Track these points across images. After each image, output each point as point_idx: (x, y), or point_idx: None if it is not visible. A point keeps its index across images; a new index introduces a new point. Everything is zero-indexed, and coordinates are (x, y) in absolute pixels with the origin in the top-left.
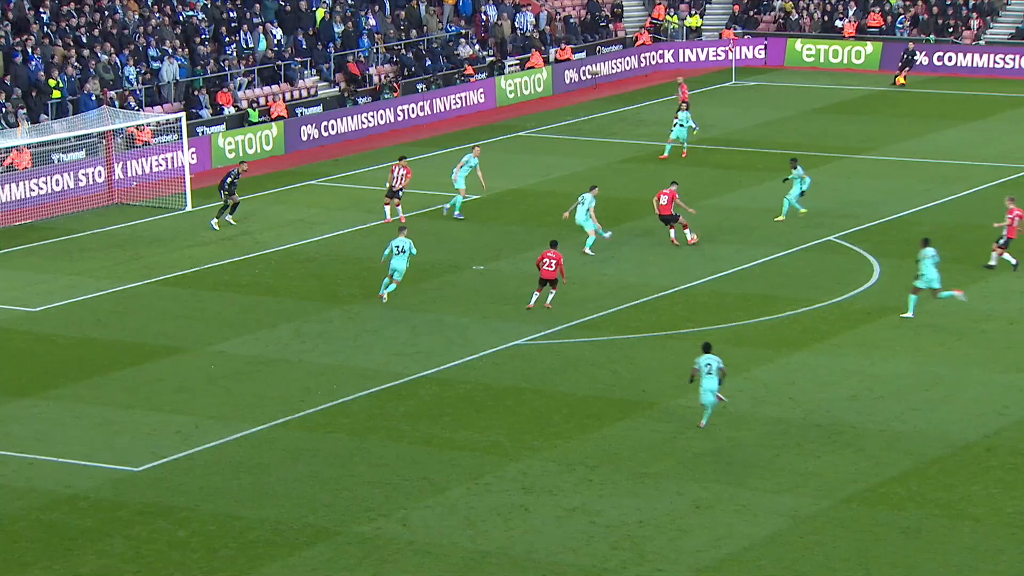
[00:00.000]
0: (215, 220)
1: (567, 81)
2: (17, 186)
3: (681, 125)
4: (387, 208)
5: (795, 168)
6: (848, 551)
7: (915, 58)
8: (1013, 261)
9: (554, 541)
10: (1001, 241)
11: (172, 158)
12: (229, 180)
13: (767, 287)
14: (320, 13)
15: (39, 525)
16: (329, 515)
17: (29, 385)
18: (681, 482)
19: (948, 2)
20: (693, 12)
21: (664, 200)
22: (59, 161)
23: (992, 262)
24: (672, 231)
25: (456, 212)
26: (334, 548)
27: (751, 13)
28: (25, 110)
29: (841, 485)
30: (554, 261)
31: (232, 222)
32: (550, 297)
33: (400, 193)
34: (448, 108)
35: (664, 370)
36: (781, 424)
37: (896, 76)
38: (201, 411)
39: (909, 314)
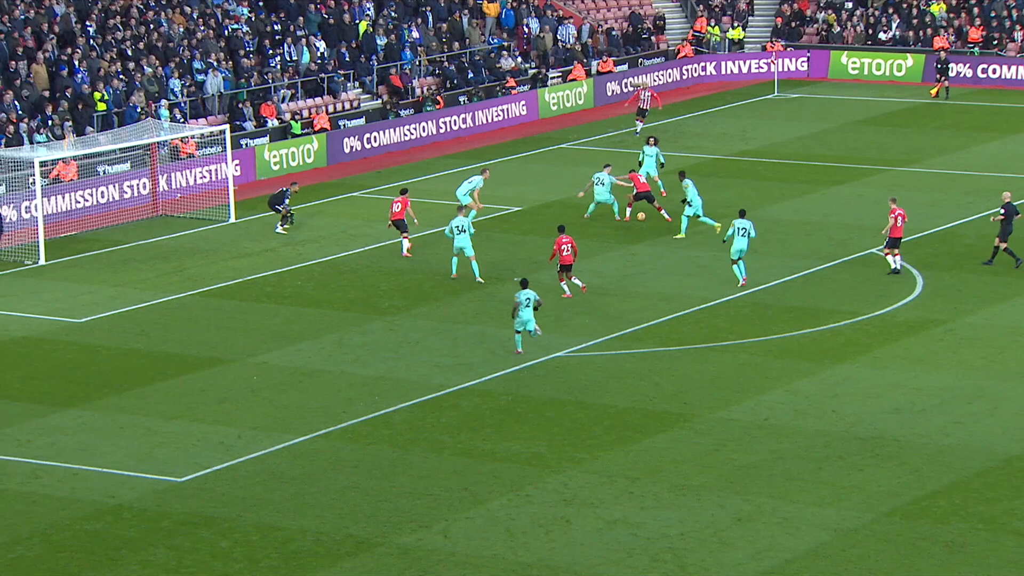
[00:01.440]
0: (279, 227)
1: (609, 93)
2: (63, 198)
3: (647, 157)
4: (404, 242)
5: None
6: (891, 565)
7: (948, 67)
8: (896, 265)
9: (595, 553)
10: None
11: (216, 170)
12: (278, 195)
13: (809, 299)
14: (363, 26)
15: (83, 535)
16: (370, 526)
17: (74, 396)
18: (723, 494)
19: (992, 14)
20: (736, 24)
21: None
22: (104, 173)
23: (894, 266)
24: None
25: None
26: (375, 559)
27: (794, 25)
28: (71, 123)
29: (884, 498)
30: (569, 245)
31: (280, 230)
32: (576, 282)
33: (404, 225)
34: (490, 120)
35: (706, 382)
36: (823, 437)
37: (932, 88)
38: (243, 422)
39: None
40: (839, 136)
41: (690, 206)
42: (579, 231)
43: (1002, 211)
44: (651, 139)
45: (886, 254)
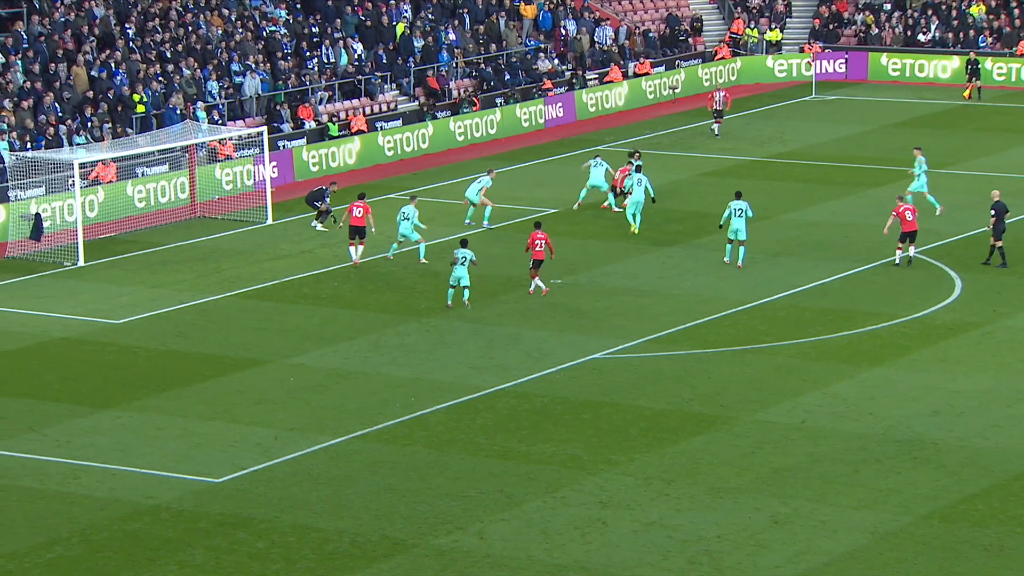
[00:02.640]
0: (317, 224)
1: (646, 95)
2: (102, 199)
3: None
4: (352, 249)
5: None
6: (928, 568)
7: (979, 68)
8: (898, 259)
9: (631, 555)
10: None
11: (254, 172)
12: (317, 192)
13: (846, 302)
14: (400, 28)
15: (122, 535)
16: (406, 527)
17: (112, 397)
18: (759, 497)
19: None
20: (773, 26)
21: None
22: (143, 175)
23: (898, 261)
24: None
25: (487, 222)
26: (411, 560)
27: (832, 27)
28: (110, 124)
29: (922, 501)
30: (543, 241)
31: (319, 227)
32: (539, 282)
33: (363, 232)
34: (527, 122)
35: (742, 384)
36: (861, 439)
37: (965, 90)
38: (280, 423)
39: (727, 259)
40: (877, 138)
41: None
42: (612, 232)
43: (992, 210)
44: (635, 156)
45: (899, 248)
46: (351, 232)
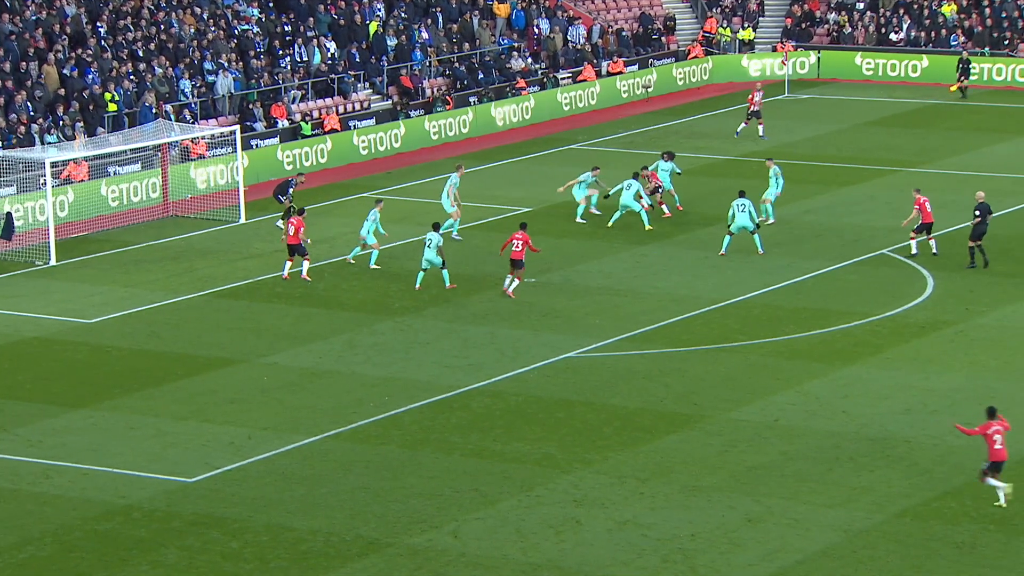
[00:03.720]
0: (280, 221)
1: (620, 94)
2: (74, 198)
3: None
4: (287, 263)
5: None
6: (901, 566)
7: (970, 67)
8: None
9: (605, 554)
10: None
11: (226, 171)
12: (283, 185)
13: (820, 300)
14: (373, 27)
15: (94, 535)
16: (381, 527)
17: (84, 396)
18: (733, 496)
19: (1004, 15)
20: (746, 25)
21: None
22: (115, 174)
23: (915, 250)
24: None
25: (454, 234)
26: (385, 560)
27: (804, 26)
28: (82, 123)
29: (895, 499)
30: (520, 242)
31: (282, 225)
32: (515, 284)
33: (302, 248)
34: (500, 121)
35: (716, 383)
36: (834, 438)
37: (953, 85)
38: (254, 423)
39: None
40: (850, 137)
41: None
42: (590, 231)
43: (976, 211)
44: (666, 154)
45: (912, 238)
46: (289, 250)
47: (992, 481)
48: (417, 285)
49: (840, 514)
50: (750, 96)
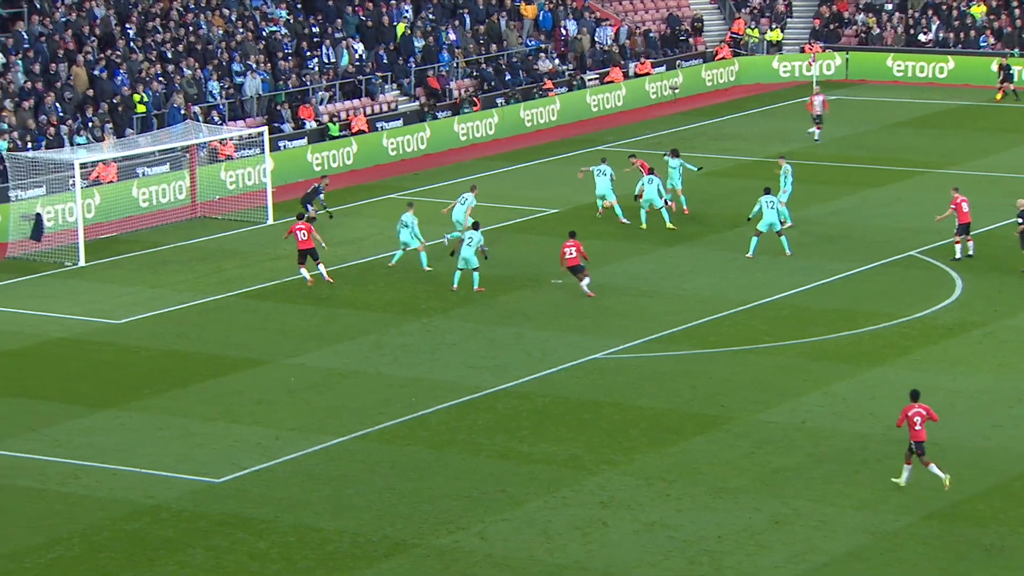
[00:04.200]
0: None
1: (647, 95)
2: (103, 199)
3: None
4: (304, 271)
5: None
6: (929, 568)
7: (1011, 71)
8: (959, 254)
9: (631, 555)
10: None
11: (254, 172)
12: (310, 192)
13: (848, 302)
14: (401, 28)
15: (122, 535)
16: (407, 527)
17: (112, 396)
18: (760, 497)
19: None
20: (774, 26)
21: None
22: (144, 175)
23: (958, 255)
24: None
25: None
26: (412, 560)
27: (832, 27)
28: (111, 124)
29: (922, 502)
30: (573, 248)
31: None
32: (586, 282)
33: (315, 252)
34: (527, 122)
35: (743, 385)
36: (862, 440)
37: (998, 93)
38: (281, 423)
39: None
40: (877, 138)
41: (636, 199)
42: (613, 233)
43: (1020, 220)
44: (671, 151)
45: (956, 242)
46: (300, 256)
47: (933, 468)
48: (454, 285)
49: (867, 516)
50: (808, 101)
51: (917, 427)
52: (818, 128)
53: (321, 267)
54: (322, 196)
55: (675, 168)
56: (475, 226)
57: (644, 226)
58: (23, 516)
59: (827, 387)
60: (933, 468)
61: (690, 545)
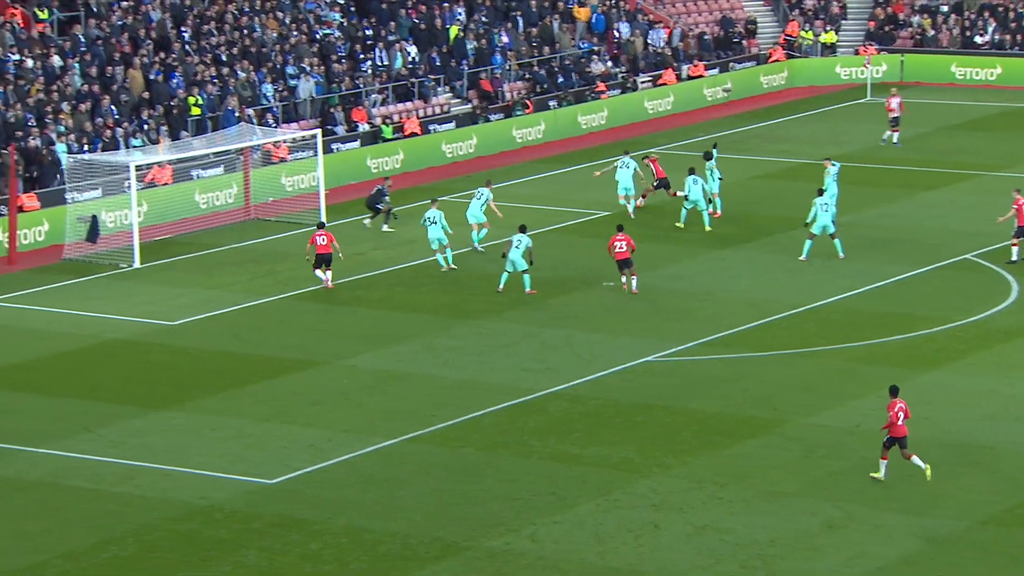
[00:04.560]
0: (385, 226)
1: (701, 98)
2: (158, 202)
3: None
4: (319, 273)
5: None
6: (985, 574)
7: None
8: (1015, 256)
9: (683, 559)
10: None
11: (307, 174)
12: (375, 193)
13: (901, 305)
14: (454, 31)
15: (175, 536)
16: (459, 530)
17: (167, 398)
18: (813, 501)
19: None
20: (828, 28)
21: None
22: (198, 177)
23: (1014, 257)
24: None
25: (478, 246)
26: (463, 563)
27: (887, 29)
28: (166, 127)
29: (977, 506)
30: (624, 243)
31: (387, 228)
32: (634, 281)
33: (330, 259)
34: (579, 125)
35: (795, 388)
36: (916, 444)
37: None
38: (334, 424)
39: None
40: (932, 140)
41: (687, 199)
42: (665, 235)
43: None
44: (705, 154)
45: (1013, 244)
46: (317, 260)
47: (916, 459)
48: (500, 287)
49: (922, 521)
50: (886, 102)
51: (900, 422)
52: (895, 132)
53: (328, 273)
54: (387, 197)
55: (710, 171)
56: (522, 229)
57: (681, 225)
58: (77, 516)
59: (880, 391)
60: (916, 459)
61: (742, 549)
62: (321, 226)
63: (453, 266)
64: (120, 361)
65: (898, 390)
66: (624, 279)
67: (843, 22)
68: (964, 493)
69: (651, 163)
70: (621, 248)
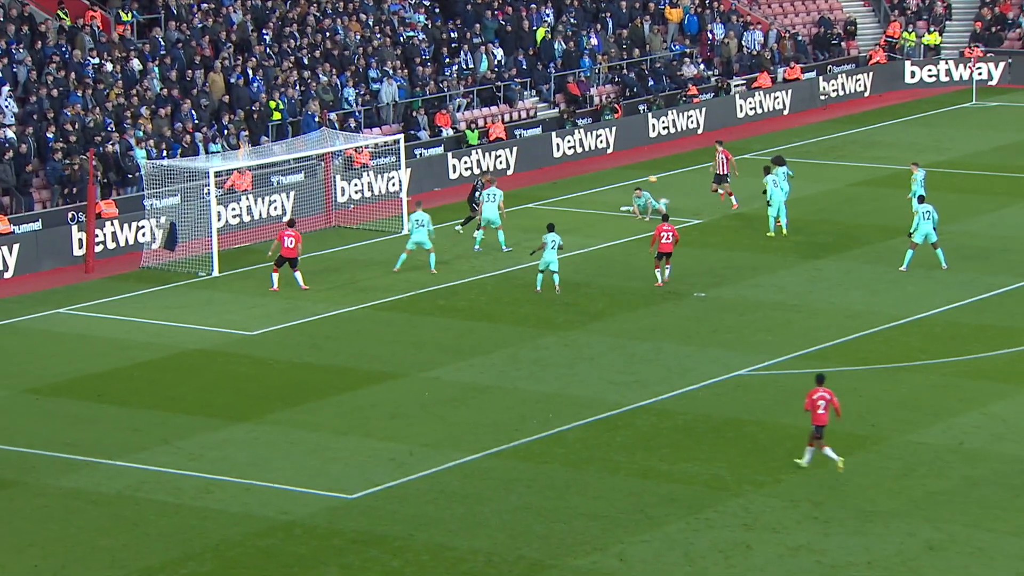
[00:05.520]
0: (460, 227)
1: (797, 101)
2: (237, 208)
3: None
4: (275, 276)
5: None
6: None
7: None
8: None
9: None
10: None
11: (389, 180)
12: (475, 193)
13: (1006, 318)
14: (541, 33)
15: (256, 551)
16: (544, 548)
17: (246, 410)
18: (912, 522)
19: None
20: (932, 29)
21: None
22: (278, 184)
23: None
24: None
25: (504, 247)
26: None
27: (994, 30)
28: (246, 132)
29: None
30: (670, 233)
31: (459, 229)
32: (667, 271)
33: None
34: (670, 130)
35: (894, 404)
36: (1021, 462)
37: None
38: (415, 438)
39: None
40: None
41: (770, 204)
42: (760, 244)
43: None
44: (775, 159)
45: None
46: (279, 260)
47: (828, 451)
48: (538, 287)
49: None
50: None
51: (820, 411)
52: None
53: (298, 275)
54: (478, 195)
55: (782, 177)
56: (550, 227)
57: (772, 233)
58: (157, 530)
59: (984, 407)
60: (828, 451)
61: (838, 571)
62: (291, 224)
63: (434, 271)
64: (198, 372)
65: (823, 379)
66: (659, 272)
67: (947, 23)
68: None
69: (724, 153)
70: (667, 239)
